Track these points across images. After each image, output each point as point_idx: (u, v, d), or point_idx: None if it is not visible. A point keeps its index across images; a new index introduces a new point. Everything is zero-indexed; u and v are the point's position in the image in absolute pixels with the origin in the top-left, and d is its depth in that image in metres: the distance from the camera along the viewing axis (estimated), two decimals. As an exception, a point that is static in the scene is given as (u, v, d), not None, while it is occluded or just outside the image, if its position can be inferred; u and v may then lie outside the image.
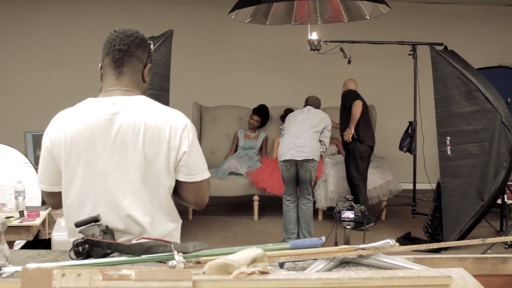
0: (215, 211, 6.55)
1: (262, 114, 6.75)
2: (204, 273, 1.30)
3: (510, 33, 8.00)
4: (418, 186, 6.19)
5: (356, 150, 5.76)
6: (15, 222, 3.17)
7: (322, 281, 1.14)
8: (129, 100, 1.73)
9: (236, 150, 6.75)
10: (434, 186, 5.65)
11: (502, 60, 7.91)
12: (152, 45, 1.85)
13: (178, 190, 1.80)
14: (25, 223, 3.18)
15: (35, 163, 4.53)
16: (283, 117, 6.54)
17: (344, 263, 1.57)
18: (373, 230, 5.61)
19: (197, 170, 1.76)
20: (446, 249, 4.89)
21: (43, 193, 1.84)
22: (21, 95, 7.50)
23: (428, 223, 5.25)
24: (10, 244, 3.27)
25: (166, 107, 1.78)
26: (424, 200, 6.68)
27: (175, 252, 1.41)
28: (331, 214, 6.08)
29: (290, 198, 5.21)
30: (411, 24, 7.55)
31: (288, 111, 6.14)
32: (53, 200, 1.84)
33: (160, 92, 4.67)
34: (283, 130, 5.40)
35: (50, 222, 3.89)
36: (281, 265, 1.54)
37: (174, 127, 1.71)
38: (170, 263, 1.40)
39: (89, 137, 1.69)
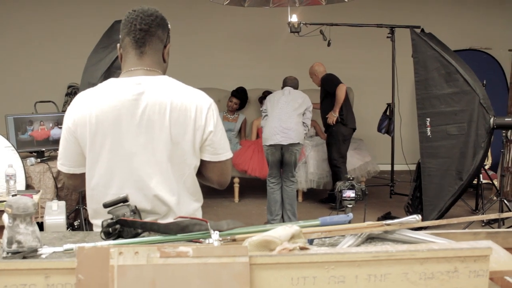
0: (196, 194, 6.54)
1: (241, 96, 6.76)
2: (246, 249, 1.32)
3: (479, 17, 8.17)
4: (396, 167, 6.32)
5: (339, 133, 5.84)
6: (7, 207, 3.11)
7: (372, 254, 1.17)
8: (153, 80, 1.72)
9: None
10: (411, 167, 5.78)
11: (472, 43, 8.08)
12: (170, 25, 1.84)
13: (202, 170, 1.81)
14: (19, 207, 3.12)
15: (17, 146, 4.45)
16: (261, 99, 6.57)
17: (370, 238, 1.61)
18: (353, 210, 5.70)
19: (222, 150, 1.77)
20: (425, 228, 5.01)
21: (64, 175, 1.82)
22: (2, 79, 7.32)
23: (409, 202, 5.37)
24: (1, 228, 3.22)
25: (190, 87, 1.78)
26: (400, 181, 6.82)
27: (212, 231, 1.42)
28: (310, 195, 6.18)
29: (275, 180, 5.27)
30: (388, 6, 7.64)
31: (267, 93, 6.18)
32: (74, 182, 1.81)
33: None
34: (264, 112, 5.40)
35: (43, 207, 3.84)
36: (310, 242, 1.57)
37: (200, 107, 1.71)
38: (206, 241, 1.42)
39: (115, 117, 1.68)
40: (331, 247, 1.57)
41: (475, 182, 5.62)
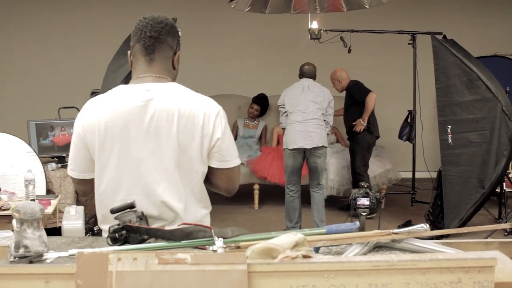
0: (216, 200, 6.40)
1: (261, 103, 6.77)
2: (247, 257, 1.32)
3: (505, 22, 8.04)
4: (417, 175, 6.24)
5: (364, 141, 5.79)
6: (27, 211, 3.16)
7: (372, 263, 1.16)
8: (162, 86, 1.74)
9: (235, 139, 6.76)
10: (432, 174, 5.70)
11: (497, 49, 7.96)
12: (180, 32, 1.85)
13: (210, 177, 1.81)
14: (37, 212, 3.17)
15: (39, 151, 4.52)
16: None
17: (377, 247, 1.59)
18: (374, 218, 5.64)
19: (230, 157, 1.77)
20: (446, 236, 4.94)
21: (73, 180, 1.84)
22: (24, 85, 7.47)
23: (430, 210, 5.29)
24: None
25: (198, 93, 1.79)
26: (422, 189, 6.73)
27: (216, 238, 1.42)
28: (330, 202, 6.14)
29: (294, 188, 5.11)
30: (410, 13, 7.58)
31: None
32: (83, 187, 1.84)
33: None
34: (283, 108, 5.16)
35: (62, 211, 3.89)
36: (316, 250, 1.56)
37: (208, 113, 1.72)
38: (210, 248, 1.42)
39: (123, 123, 1.69)
40: (337, 255, 1.55)
41: (498, 190, 5.52)
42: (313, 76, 5.25)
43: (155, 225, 1.70)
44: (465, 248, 1.77)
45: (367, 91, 5.69)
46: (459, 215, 4.99)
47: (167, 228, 1.62)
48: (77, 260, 1.13)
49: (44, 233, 1.49)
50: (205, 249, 1.45)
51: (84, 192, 1.86)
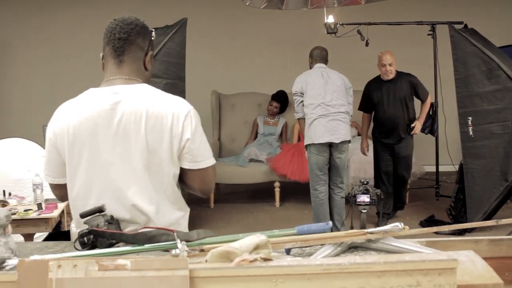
0: (236, 199, 6.56)
1: (281, 100, 6.71)
2: (206, 261, 1.29)
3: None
4: (441, 168, 6.11)
5: (412, 147, 5.41)
6: (33, 215, 3.20)
7: (323, 267, 1.11)
8: (131, 88, 1.71)
9: (256, 137, 6.73)
10: (457, 167, 5.55)
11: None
12: (153, 33, 1.82)
13: (183, 177, 1.78)
14: (43, 216, 3.21)
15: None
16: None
17: (353, 248, 1.54)
18: (399, 216, 5.52)
19: (201, 157, 1.74)
20: (471, 231, 4.81)
21: (50, 185, 1.84)
22: (39, 89, 7.58)
23: (452, 205, 5.16)
24: (30, 236, 3.31)
25: (169, 94, 1.76)
26: (448, 182, 6.57)
27: (178, 241, 1.39)
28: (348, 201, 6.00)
29: (323, 189, 4.66)
30: (430, 4, 7.39)
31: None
32: (59, 192, 1.83)
33: (175, 81, 4.67)
34: (300, 96, 4.74)
35: (70, 213, 3.93)
36: (288, 251, 1.51)
37: (176, 114, 1.69)
38: (173, 251, 1.39)
39: (91, 127, 1.68)
40: (307, 257, 1.50)
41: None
42: (326, 61, 4.93)
43: (128, 228, 1.68)
44: (452, 247, 1.70)
45: (426, 90, 5.33)
46: (482, 209, 4.86)
47: (130, 232, 1.60)
48: (19, 267, 1.12)
49: (11, 239, 1.48)
50: (169, 251, 1.42)
51: (61, 197, 1.86)
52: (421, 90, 5.28)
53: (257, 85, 7.17)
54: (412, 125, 5.23)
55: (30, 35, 7.61)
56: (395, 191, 5.39)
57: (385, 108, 5.21)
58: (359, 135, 6.61)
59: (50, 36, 7.59)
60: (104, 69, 1.78)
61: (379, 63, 5.24)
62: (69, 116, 1.71)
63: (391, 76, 5.18)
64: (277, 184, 6.17)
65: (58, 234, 3.73)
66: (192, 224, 6.13)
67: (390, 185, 5.33)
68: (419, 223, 5.10)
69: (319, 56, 4.92)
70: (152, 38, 1.82)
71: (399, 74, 5.26)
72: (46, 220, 3.22)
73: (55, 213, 3.23)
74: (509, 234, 4.63)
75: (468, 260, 1.29)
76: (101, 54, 1.80)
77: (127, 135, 1.67)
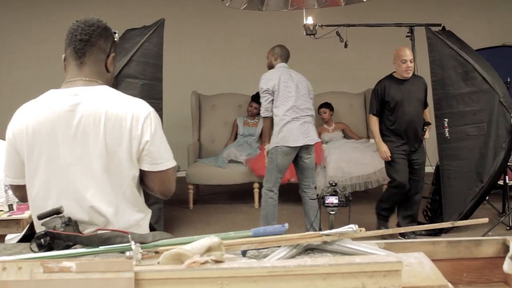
0: (215, 200, 6.56)
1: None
2: (158, 263, 1.29)
3: (512, 11, 7.87)
4: (419, 170, 6.12)
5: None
6: (4, 216, 3.18)
7: (268, 269, 1.12)
8: (91, 90, 1.71)
9: (236, 138, 6.73)
10: (434, 169, 5.59)
11: (505, 39, 7.79)
12: (116, 34, 1.82)
13: (144, 179, 1.79)
14: (13, 217, 3.18)
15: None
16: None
17: (309, 249, 1.55)
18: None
19: (161, 159, 1.74)
20: (447, 231, 4.85)
21: (10, 186, 1.83)
22: (19, 90, 7.51)
23: (428, 206, 5.21)
24: (1, 238, 3.28)
25: (129, 96, 1.76)
26: (426, 183, 6.60)
27: (132, 243, 1.39)
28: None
29: (277, 191, 4.70)
30: (408, 6, 7.44)
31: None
32: (19, 193, 1.83)
33: (152, 81, 4.66)
34: (270, 94, 4.62)
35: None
36: (244, 253, 1.52)
37: (136, 116, 1.69)
38: (127, 253, 1.39)
39: (50, 129, 1.68)
40: (263, 259, 1.51)
41: (501, 183, 5.38)
42: (288, 59, 4.90)
43: (87, 230, 1.68)
44: (410, 249, 1.72)
45: None
46: (458, 210, 4.91)
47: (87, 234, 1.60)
48: (-37, 270, 1.11)
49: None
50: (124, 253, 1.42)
51: (21, 198, 1.85)
52: (426, 94, 4.95)
53: (237, 86, 7.17)
54: (426, 128, 4.83)
55: (13, 37, 7.55)
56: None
57: (406, 109, 4.71)
58: (344, 136, 6.65)
59: (35, 39, 7.52)
60: (66, 71, 1.78)
61: (398, 60, 4.84)
62: (28, 117, 1.71)
63: (411, 73, 4.79)
64: (256, 185, 6.17)
65: (34, 235, 3.70)
66: (171, 225, 6.05)
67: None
68: (397, 224, 5.12)
69: (284, 55, 4.90)
70: (115, 40, 1.82)
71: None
72: (17, 221, 3.19)
73: (26, 214, 3.20)
74: (484, 235, 4.69)
75: (417, 262, 1.30)
76: (63, 56, 1.80)
77: (86, 137, 1.67)
